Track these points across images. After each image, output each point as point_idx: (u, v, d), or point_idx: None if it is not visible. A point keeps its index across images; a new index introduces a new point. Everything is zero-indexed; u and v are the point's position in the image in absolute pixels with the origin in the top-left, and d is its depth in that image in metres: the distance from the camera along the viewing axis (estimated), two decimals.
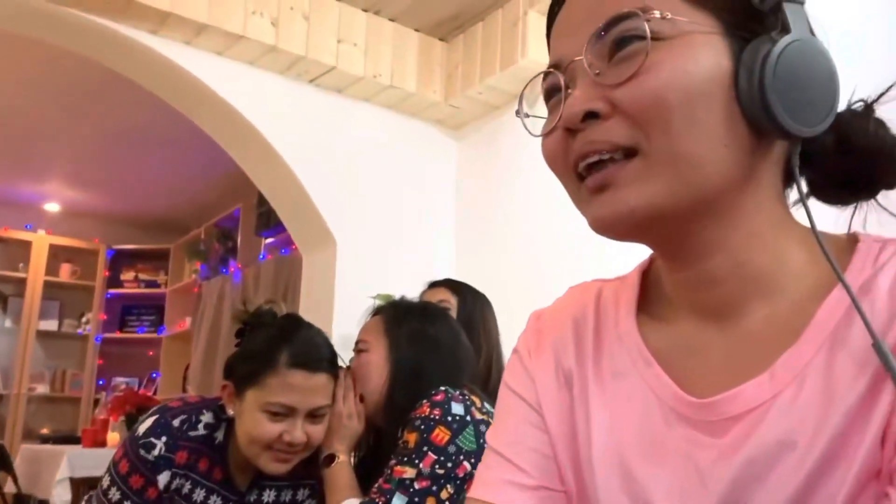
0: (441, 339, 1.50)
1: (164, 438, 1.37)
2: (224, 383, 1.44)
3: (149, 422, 1.40)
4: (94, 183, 5.38)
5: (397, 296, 1.84)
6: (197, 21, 2.61)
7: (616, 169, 0.55)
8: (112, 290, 5.91)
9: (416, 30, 3.14)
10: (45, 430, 5.24)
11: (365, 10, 3.00)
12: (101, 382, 5.80)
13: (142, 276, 6.01)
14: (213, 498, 1.43)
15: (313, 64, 2.92)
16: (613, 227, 0.57)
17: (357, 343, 1.55)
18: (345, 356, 1.57)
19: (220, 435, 1.45)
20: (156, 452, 1.36)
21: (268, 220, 4.54)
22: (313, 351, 1.41)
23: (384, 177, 3.26)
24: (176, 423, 1.40)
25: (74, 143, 4.72)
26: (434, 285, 2.20)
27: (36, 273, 5.58)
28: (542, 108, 0.64)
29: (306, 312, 3.24)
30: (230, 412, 1.42)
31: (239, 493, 1.47)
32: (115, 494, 1.38)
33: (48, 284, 5.63)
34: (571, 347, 0.68)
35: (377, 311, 1.59)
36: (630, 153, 0.55)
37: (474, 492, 0.67)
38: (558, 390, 0.67)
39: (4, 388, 5.38)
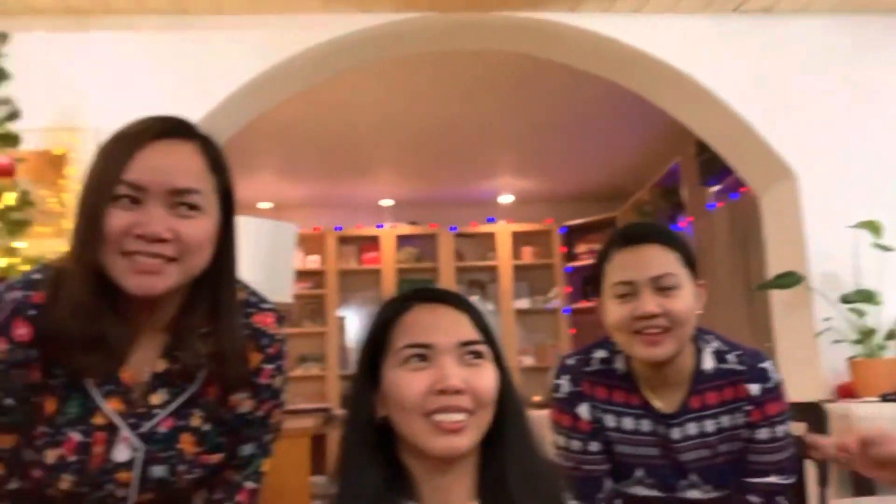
0: None
1: (565, 377, 1.50)
2: (594, 300, 1.50)
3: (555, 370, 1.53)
4: (538, 169, 5.80)
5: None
6: None
7: None
8: (570, 264, 6.30)
9: None
10: (537, 398, 5.81)
11: None
12: None
13: (595, 246, 6.28)
14: (642, 422, 1.46)
15: None
16: None
17: None
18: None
19: (620, 365, 1.48)
20: (564, 391, 1.49)
21: (711, 167, 4.35)
22: (636, 227, 1.52)
23: (832, 92, 2.86)
24: (571, 362, 1.51)
25: (513, 137, 5.13)
26: None
27: (504, 259, 6.24)
28: None
29: (775, 254, 3.01)
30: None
31: (663, 415, 1.44)
32: (561, 440, 1.50)
33: (516, 268, 6.26)
34: None
35: None
36: None
37: None
38: None
39: None
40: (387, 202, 6.42)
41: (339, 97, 4.20)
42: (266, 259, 2.46)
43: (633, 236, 1.42)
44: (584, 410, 1.47)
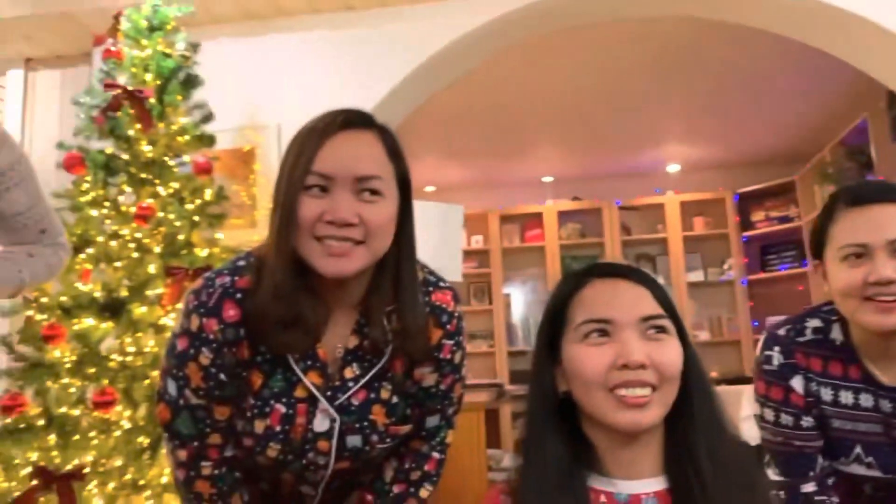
0: None
1: (776, 349, 1.41)
2: (815, 263, 1.41)
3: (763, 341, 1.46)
4: (706, 135, 5.54)
5: None
6: None
7: None
8: (746, 233, 5.98)
9: None
10: (713, 374, 5.60)
11: None
12: (754, 324, 5.92)
13: (772, 213, 5.93)
14: (862, 396, 1.36)
15: None
16: None
17: None
18: None
19: (836, 335, 1.39)
20: (776, 362, 1.40)
21: None
22: (866, 185, 1.42)
23: None
24: (782, 332, 1.42)
25: (679, 103, 4.94)
26: None
27: (673, 231, 6.03)
28: None
29: None
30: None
31: (887, 389, 1.33)
32: (769, 414, 1.43)
33: (686, 239, 6.03)
34: None
35: None
36: None
37: None
38: None
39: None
40: (548, 178, 6.40)
41: (497, 77, 4.23)
42: (436, 241, 2.55)
43: (865, 195, 1.30)
44: (797, 383, 1.39)
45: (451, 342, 1.28)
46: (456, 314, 1.29)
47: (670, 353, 0.95)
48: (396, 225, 1.19)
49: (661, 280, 1.04)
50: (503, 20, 3.11)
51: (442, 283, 1.30)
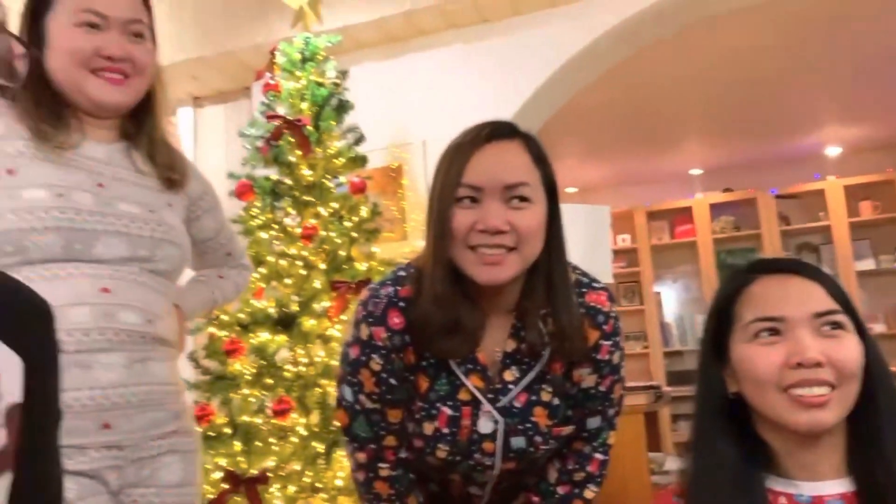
0: None
1: None
2: None
3: None
4: (870, 113, 5.16)
5: None
6: None
7: None
8: None
9: None
10: (893, 368, 5.18)
11: None
12: None
13: None
14: None
15: None
16: None
17: None
18: None
19: None
20: None
21: None
22: None
23: None
24: None
25: (835, 81, 4.62)
26: None
27: (837, 218, 5.64)
28: None
29: None
30: None
31: None
32: None
33: (853, 226, 5.62)
34: None
35: None
36: None
37: None
38: None
39: None
40: (696, 171, 6.17)
41: (635, 72, 4.15)
42: (584, 242, 2.55)
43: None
44: None
45: (609, 343, 1.29)
46: (612, 314, 1.30)
47: (848, 350, 0.92)
48: (546, 229, 1.23)
49: (826, 271, 1.00)
50: (638, 18, 3.07)
51: (595, 284, 1.32)
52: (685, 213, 6.06)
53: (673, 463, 3.41)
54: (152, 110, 1.40)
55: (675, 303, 6.22)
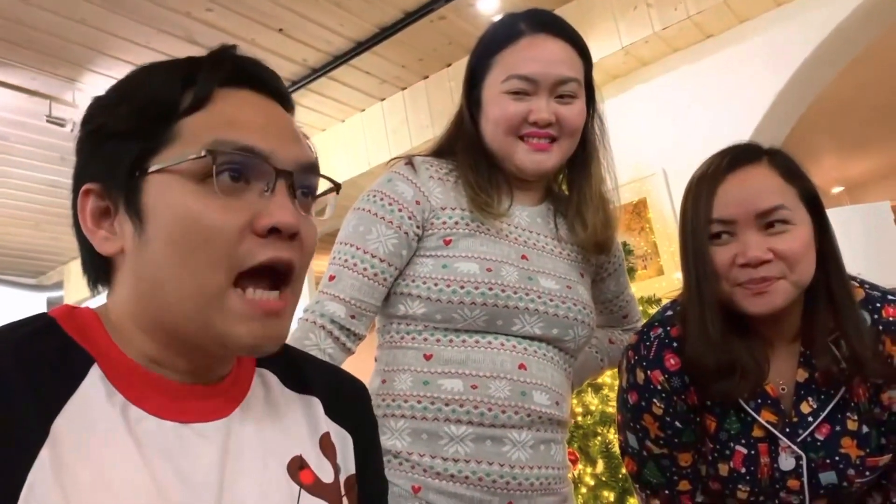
0: None
1: None
2: None
3: None
4: None
5: None
6: None
7: None
8: None
9: None
10: None
11: None
12: None
13: None
14: None
15: None
16: None
17: None
18: None
19: None
20: None
21: None
22: None
23: None
24: None
25: None
26: None
27: None
28: None
29: None
30: None
31: None
32: None
33: None
34: None
35: None
36: None
37: None
38: None
39: None
40: None
41: (885, 51, 3.76)
42: (866, 247, 2.30)
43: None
44: None
45: None
46: None
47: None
48: (816, 245, 1.16)
49: None
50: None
51: (891, 296, 1.20)
52: None
53: None
54: (586, 163, 1.39)
55: None
